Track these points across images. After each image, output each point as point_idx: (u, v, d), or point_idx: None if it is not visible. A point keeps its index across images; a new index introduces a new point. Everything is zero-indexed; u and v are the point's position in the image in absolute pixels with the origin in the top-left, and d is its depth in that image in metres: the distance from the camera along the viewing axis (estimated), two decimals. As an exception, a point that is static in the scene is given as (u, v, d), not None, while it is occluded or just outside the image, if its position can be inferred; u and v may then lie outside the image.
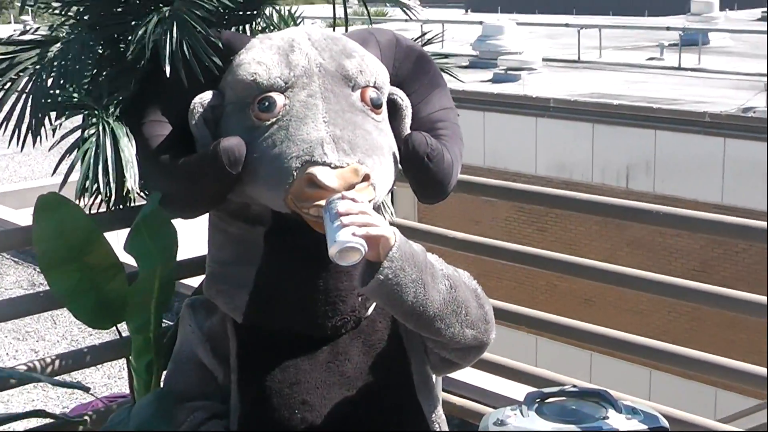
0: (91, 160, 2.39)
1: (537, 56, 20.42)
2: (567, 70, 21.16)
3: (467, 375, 3.98)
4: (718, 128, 14.94)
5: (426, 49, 2.91)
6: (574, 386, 2.43)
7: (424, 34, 3.18)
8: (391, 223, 3.86)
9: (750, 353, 13.76)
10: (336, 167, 2.21)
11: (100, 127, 2.43)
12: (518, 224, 16.11)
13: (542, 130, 16.39)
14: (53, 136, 2.58)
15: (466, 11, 38.19)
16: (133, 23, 2.55)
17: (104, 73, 2.57)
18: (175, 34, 2.39)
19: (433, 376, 2.54)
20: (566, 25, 25.84)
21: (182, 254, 2.68)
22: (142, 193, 2.60)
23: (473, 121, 17.05)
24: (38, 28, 2.69)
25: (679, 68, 21.24)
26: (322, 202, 2.16)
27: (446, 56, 3.26)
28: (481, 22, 23.44)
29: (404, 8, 3.13)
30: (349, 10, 3.16)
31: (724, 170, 14.71)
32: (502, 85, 18.45)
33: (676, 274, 12.14)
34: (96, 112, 2.45)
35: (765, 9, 34.97)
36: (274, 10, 2.93)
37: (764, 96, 15.66)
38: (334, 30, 2.98)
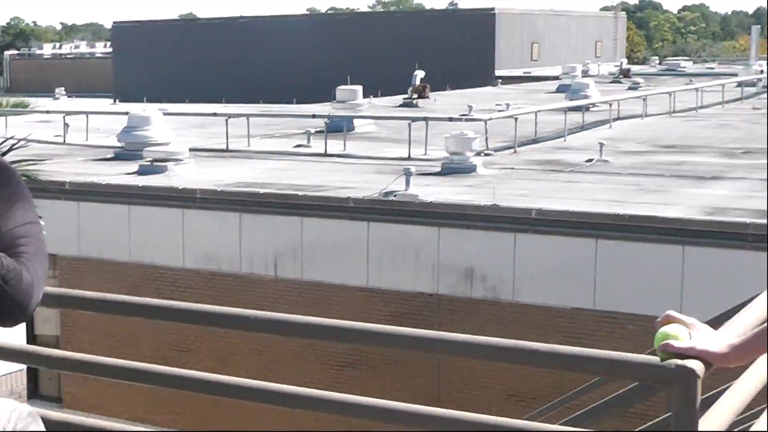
0: None
1: (184, 146, 20.17)
2: (215, 159, 21.06)
3: None
4: (361, 213, 15.21)
5: (13, 154, 2.61)
6: None
7: (4, 141, 2.86)
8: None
9: None
10: None
11: None
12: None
13: (189, 222, 16.11)
14: None
15: (114, 101, 37.58)
16: None
17: None
18: None
19: None
20: (214, 114, 25.81)
21: None
22: None
23: (117, 215, 16.56)
24: None
25: (325, 155, 21.63)
26: None
27: (35, 161, 2.97)
28: (127, 113, 22.95)
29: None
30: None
31: (368, 254, 14.96)
32: (147, 177, 18.04)
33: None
34: None
35: (406, 95, 36.61)
36: None
37: (404, 180, 16.11)
38: None
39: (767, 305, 2.96)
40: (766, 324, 2.60)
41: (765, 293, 3.06)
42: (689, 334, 2.53)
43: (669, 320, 2.57)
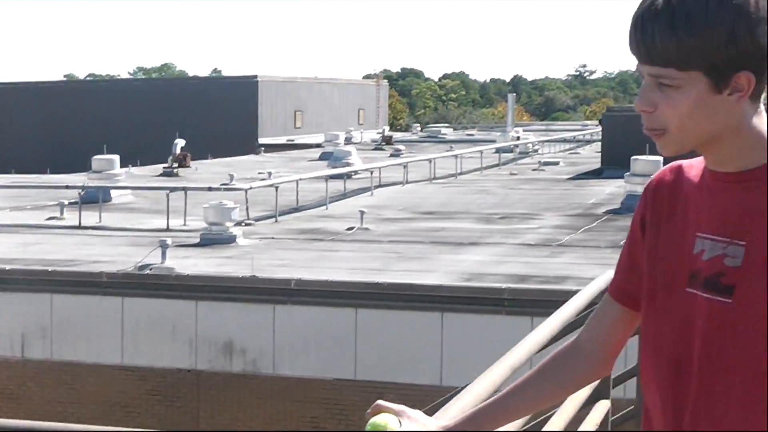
0: None
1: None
2: (-42, 234, 19.93)
3: None
4: (115, 287, 14.63)
5: None
6: None
7: None
8: None
9: None
10: None
11: None
12: None
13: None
14: None
15: None
16: None
17: None
18: None
19: None
20: (-41, 186, 24.57)
21: None
22: None
23: None
24: None
25: (79, 227, 20.82)
26: None
27: None
28: None
29: None
30: None
31: (123, 330, 14.36)
32: None
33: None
34: None
35: (166, 164, 36.01)
36: None
37: (160, 252, 15.62)
38: None
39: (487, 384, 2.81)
40: (483, 404, 2.46)
41: (483, 375, 2.90)
42: (399, 422, 2.35)
43: (379, 410, 2.39)
